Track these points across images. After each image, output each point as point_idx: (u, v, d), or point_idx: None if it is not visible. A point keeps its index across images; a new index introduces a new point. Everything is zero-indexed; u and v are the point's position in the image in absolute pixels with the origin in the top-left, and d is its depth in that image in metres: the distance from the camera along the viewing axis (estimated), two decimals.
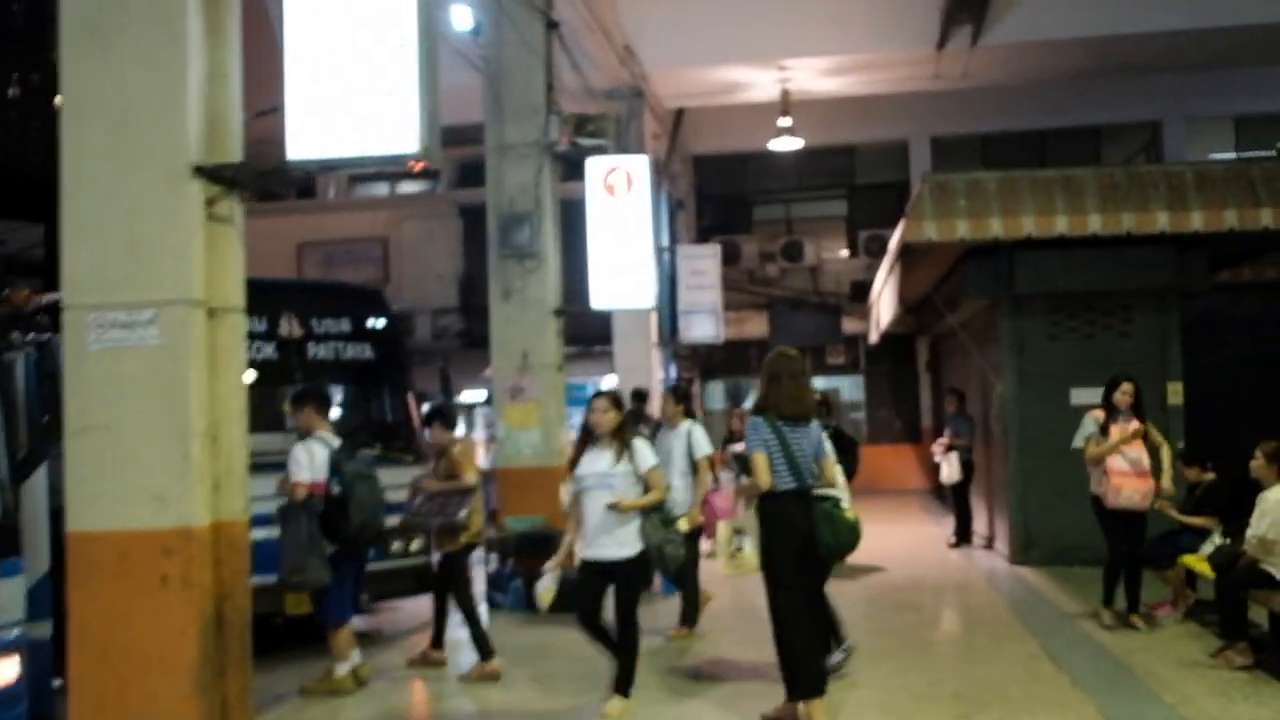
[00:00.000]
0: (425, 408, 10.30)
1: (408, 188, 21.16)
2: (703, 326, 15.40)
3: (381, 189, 21.49)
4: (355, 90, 4.72)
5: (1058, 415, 11.46)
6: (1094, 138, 20.45)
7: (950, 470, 13.25)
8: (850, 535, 6.01)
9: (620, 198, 9.97)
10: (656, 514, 6.09)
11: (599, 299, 10.03)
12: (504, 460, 9.82)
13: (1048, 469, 11.51)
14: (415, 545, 9.77)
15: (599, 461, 6.11)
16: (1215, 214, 10.71)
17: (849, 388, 21.64)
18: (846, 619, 7.32)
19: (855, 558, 12.43)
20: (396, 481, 9.65)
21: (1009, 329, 11.62)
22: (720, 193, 21.93)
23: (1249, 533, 7.13)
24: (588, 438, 6.16)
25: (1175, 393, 11.29)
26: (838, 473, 6.38)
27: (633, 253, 9.91)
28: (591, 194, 9.99)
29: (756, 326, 21.08)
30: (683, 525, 7.35)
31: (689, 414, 8.36)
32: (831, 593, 6.96)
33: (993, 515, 12.90)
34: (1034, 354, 11.62)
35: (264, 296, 10.07)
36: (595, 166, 9.97)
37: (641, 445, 6.20)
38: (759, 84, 15.29)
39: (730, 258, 20.55)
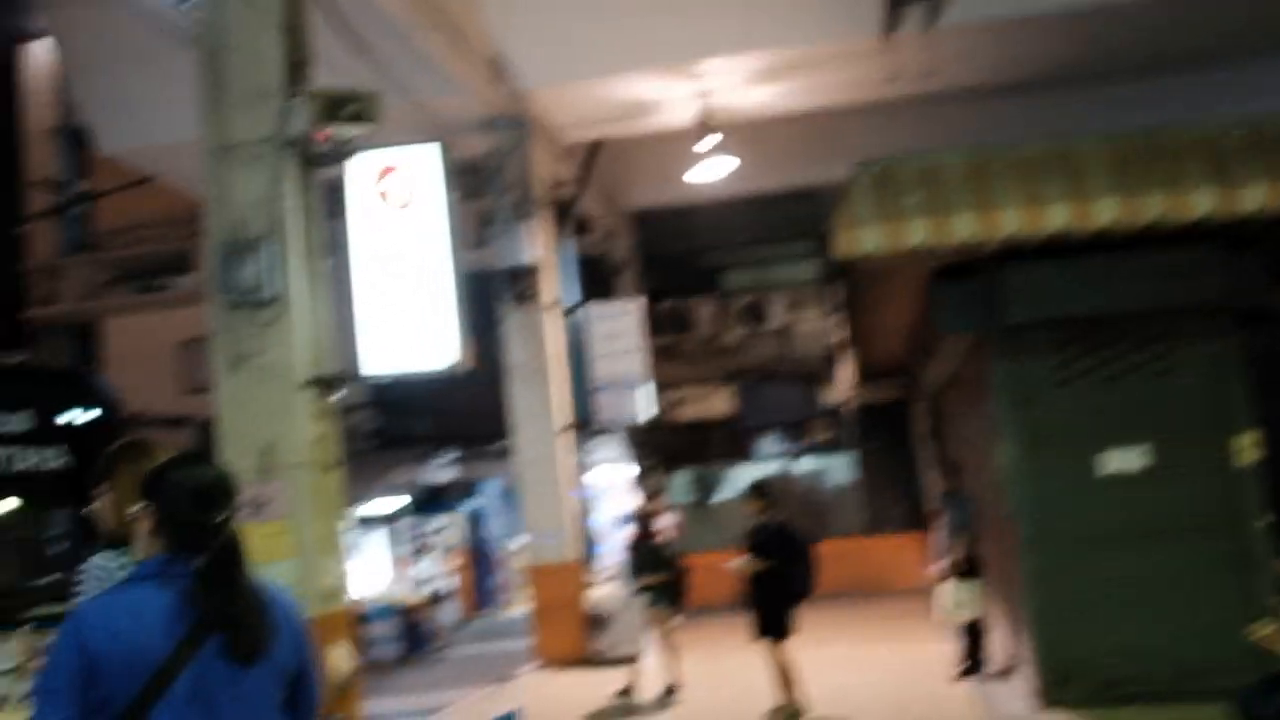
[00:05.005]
0: None
1: None
2: (624, 404, 12.19)
3: None
4: None
5: (1082, 490, 8.18)
6: None
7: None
8: None
9: (400, 210, 6.86)
10: None
11: (369, 360, 6.84)
12: None
13: (1076, 566, 8.19)
14: None
15: None
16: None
17: (838, 469, 18.27)
18: None
19: (823, 705, 9.29)
20: None
21: (1004, 374, 8.37)
22: (671, 253, 18.87)
23: None
24: None
25: (1248, 447, 7.95)
26: None
27: (422, 290, 6.76)
28: (355, 206, 6.87)
29: (721, 403, 17.88)
30: None
31: None
32: None
33: (1013, 629, 9.46)
34: (1041, 406, 8.34)
35: None
36: (360, 166, 6.87)
37: None
38: (674, 100, 12.31)
39: (682, 324, 17.49)
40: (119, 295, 18.85)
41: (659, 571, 10.21)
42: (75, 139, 18.12)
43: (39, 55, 19.10)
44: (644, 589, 10.21)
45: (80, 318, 18.54)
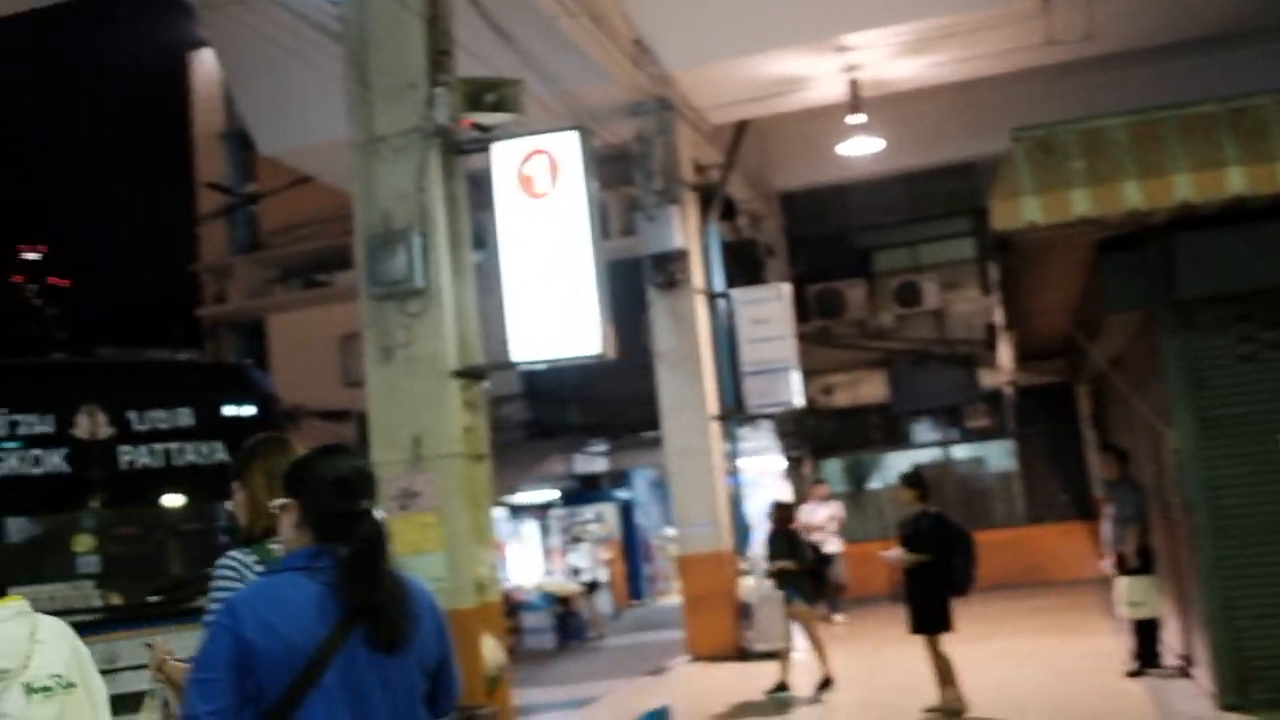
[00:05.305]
0: None
1: None
2: (774, 390, 11.97)
3: None
4: None
5: (1264, 475, 7.60)
6: None
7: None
8: None
9: (544, 197, 6.84)
10: None
11: (519, 348, 6.85)
12: None
13: (1258, 557, 7.63)
14: None
15: None
16: None
17: (997, 455, 17.61)
18: None
19: (984, 701, 8.86)
20: None
21: (1176, 352, 7.85)
22: (820, 235, 18.46)
23: None
24: None
25: None
26: None
27: (565, 274, 6.74)
28: (501, 193, 6.90)
29: (874, 389, 17.42)
30: None
31: None
32: None
33: (1188, 624, 8.89)
34: (1218, 386, 7.79)
35: (53, 384, 7.51)
36: (504, 154, 6.89)
37: None
38: (819, 76, 11.98)
39: (833, 308, 17.11)
40: (283, 292, 19.62)
41: (794, 560, 9.97)
42: (241, 142, 18.88)
43: (206, 62, 20.01)
44: (776, 576, 9.98)
45: (248, 315, 19.37)
